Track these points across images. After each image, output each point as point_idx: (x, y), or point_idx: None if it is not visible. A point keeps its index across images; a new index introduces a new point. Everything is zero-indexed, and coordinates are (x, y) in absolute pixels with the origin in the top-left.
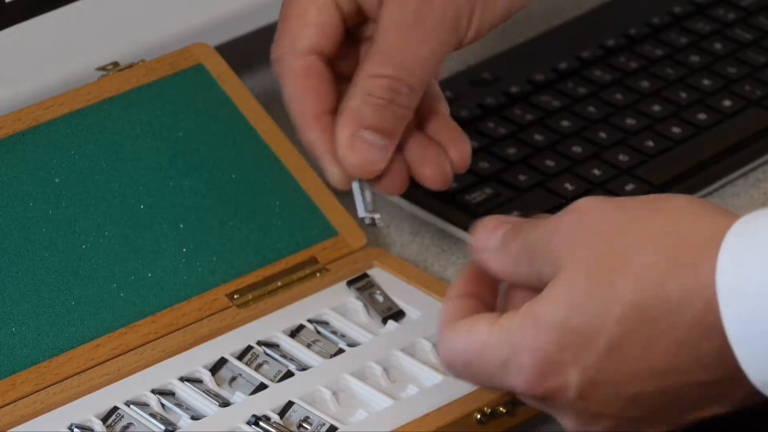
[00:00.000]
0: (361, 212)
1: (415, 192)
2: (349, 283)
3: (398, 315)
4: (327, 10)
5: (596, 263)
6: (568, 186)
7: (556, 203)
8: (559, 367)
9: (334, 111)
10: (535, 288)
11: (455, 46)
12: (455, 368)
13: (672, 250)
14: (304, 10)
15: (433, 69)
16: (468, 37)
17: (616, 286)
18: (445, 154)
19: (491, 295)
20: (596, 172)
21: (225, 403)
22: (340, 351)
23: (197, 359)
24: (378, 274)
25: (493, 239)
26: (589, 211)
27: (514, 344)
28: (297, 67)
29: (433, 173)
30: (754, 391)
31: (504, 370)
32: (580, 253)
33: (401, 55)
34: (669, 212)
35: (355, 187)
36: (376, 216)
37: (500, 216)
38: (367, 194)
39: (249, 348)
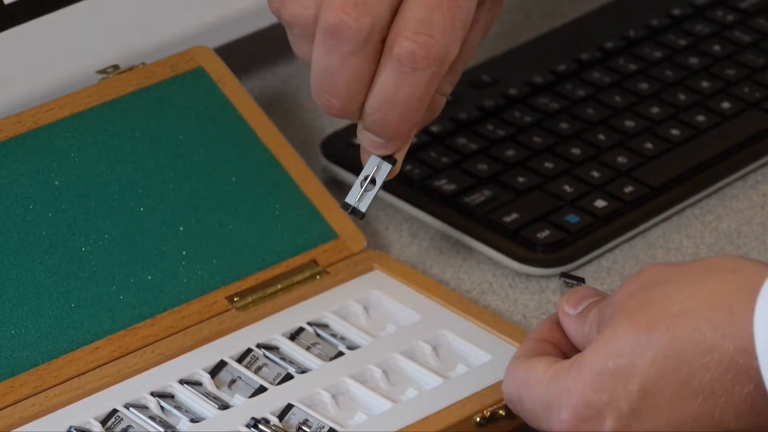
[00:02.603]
0: (351, 199)
1: (414, 194)
2: None
3: None
4: None
5: (639, 311)
6: (567, 188)
7: (555, 205)
8: (596, 411)
9: None
10: None
11: None
12: (511, 400)
13: (708, 295)
14: None
15: None
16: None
17: (653, 329)
18: None
19: (568, 347)
20: (595, 174)
21: (224, 406)
22: (340, 354)
23: (197, 362)
24: (378, 276)
25: (580, 307)
26: (646, 270)
27: (559, 386)
28: None
29: None
30: None
31: (547, 410)
32: (626, 304)
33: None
34: (713, 264)
35: (361, 176)
36: (361, 210)
37: (595, 290)
38: (368, 193)
39: (248, 351)
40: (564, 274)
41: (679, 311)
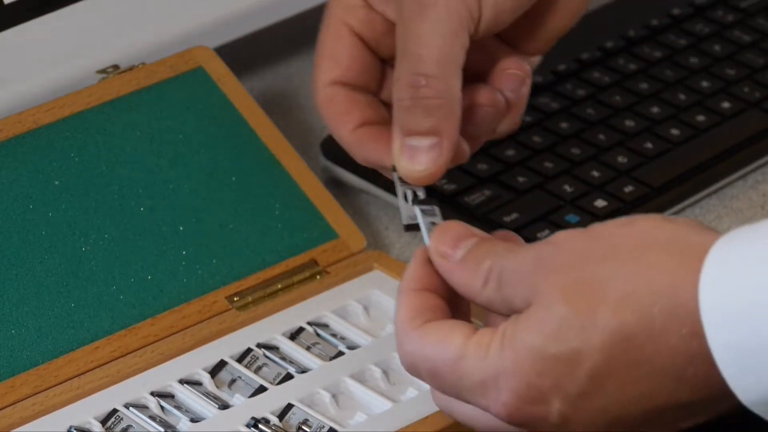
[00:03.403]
0: (404, 219)
1: None
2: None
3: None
4: (344, 41)
5: (573, 290)
6: (567, 188)
7: (555, 205)
8: (539, 394)
9: (374, 123)
10: (494, 311)
11: (469, 24)
12: (417, 371)
13: (650, 274)
14: (323, 43)
15: (445, 47)
16: (485, 16)
17: (596, 313)
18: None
19: (445, 289)
20: (595, 173)
21: (224, 406)
22: (340, 353)
23: (197, 362)
24: (378, 276)
25: (459, 251)
26: (564, 242)
27: (493, 366)
28: (320, 98)
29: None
30: (738, 403)
31: (481, 390)
32: (556, 281)
33: (406, 46)
34: (644, 234)
35: (399, 192)
36: (418, 218)
37: (465, 224)
38: (408, 204)
39: (249, 350)
40: (417, 200)
41: (623, 294)
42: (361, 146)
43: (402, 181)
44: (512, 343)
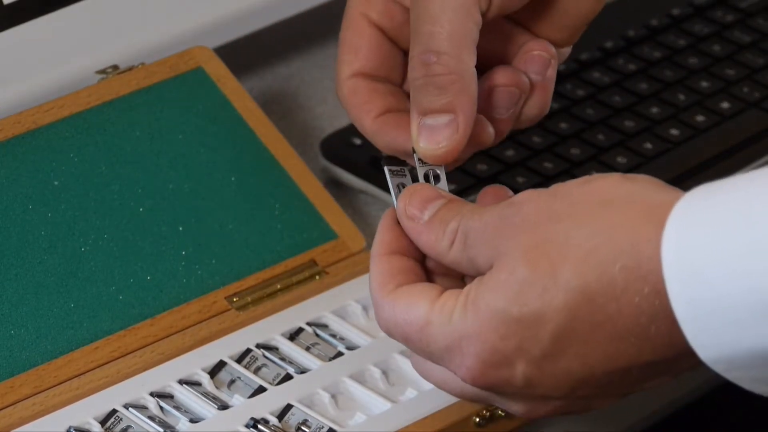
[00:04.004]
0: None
1: None
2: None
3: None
4: (363, 33)
5: (534, 251)
6: None
7: None
8: (503, 357)
9: (396, 110)
10: (461, 272)
11: (480, 0)
12: (393, 337)
13: (611, 233)
14: (344, 37)
15: (456, 23)
16: None
17: (558, 273)
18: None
19: (415, 248)
20: (595, 173)
21: (224, 406)
22: (339, 354)
23: (196, 362)
24: None
25: (426, 212)
26: (525, 202)
27: (456, 330)
28: (343, 91)
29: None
30: (700, 363)
31: (447, 355)
32: (517, 241)
33: (417, 25)
34: (602, 192)
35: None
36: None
37: (432, 187)
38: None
39: (248, 351)
40: (386, 160)
41: (585, 254)
42: (383, 132)
43: (422, 162)
44: (475, 307)
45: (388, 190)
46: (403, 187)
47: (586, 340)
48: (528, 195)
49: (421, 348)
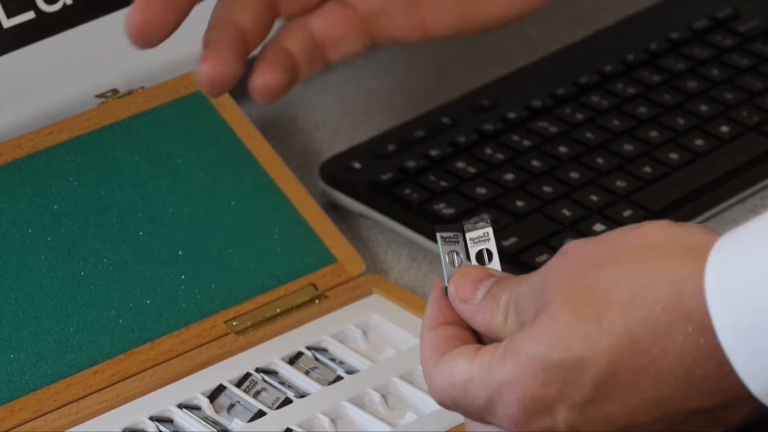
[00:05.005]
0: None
1: (413, 218)
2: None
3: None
4: None
5: (578, 297)
6: (566, 212)
7: (554, 229)
8: (545, 404)
9: None
10: None
11: None
12: (447, 407)
13: (653, 275)
14: None
15: None
16: None
17: (601, 318)
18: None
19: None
20: (594, 198)
21: (223, 430)
22: (339, 378)
23: (196, 386)
24: (376, 300)
25: (479, 292)
26: (571, 251)
27: (496, 380)
28: None
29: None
30: (752, 411)
31: (490, 407)
32: (562, 289)
33: None
34: (648, 236)
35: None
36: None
37: (481, 267)
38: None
39: (247, 375)
40: (440, 227)
41: (628, 297)
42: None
43: (474, 241)
44: (515, 354)
45: (388, 215)
46: (455, 254)
47: (629, 385)
48: (575, 244)
49: (468, 409)
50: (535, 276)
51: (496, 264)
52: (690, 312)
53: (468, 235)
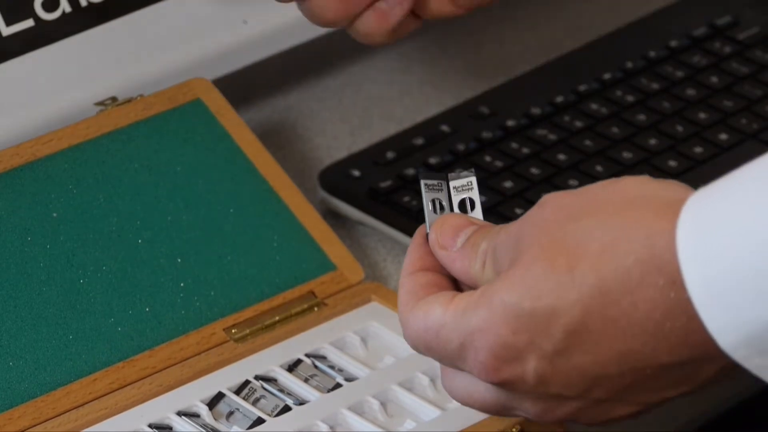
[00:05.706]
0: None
1: (412, 225)
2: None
3: None
4: None
5: (552, 247)
6: None
7: None
8: (515, 352)
9: None
10: None
11: None
12: (418, 351)
13: (627, 227)
14: None
15: None
16: None
17: (574, 269)
18: None
19: (444, 268)
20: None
21: None
22: (338, 385)
23: (195, 393)
24: (375, 308)
25: (459, 239)
26: (549, 203)
27: (469, 326)
28: None
29: None
30: (722, 369)
31: (461, 353)
32: (537, 240)
33: None
34: (627, 190)
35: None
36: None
37: (462, 215)
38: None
39: (247, 382)
40: (423, 174)
41: (601, 249)
42: None
43: (457, 189)
44: (488, 302)
45: (387, 222)
46: (438, 202)
47: (599, 336)
48: (552, 196)
49: (440, 354)
50: (513, 226)
51: (478, 213)
52: (661, 265)
53: (452, 183)
